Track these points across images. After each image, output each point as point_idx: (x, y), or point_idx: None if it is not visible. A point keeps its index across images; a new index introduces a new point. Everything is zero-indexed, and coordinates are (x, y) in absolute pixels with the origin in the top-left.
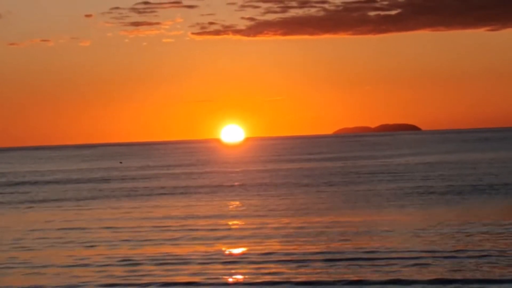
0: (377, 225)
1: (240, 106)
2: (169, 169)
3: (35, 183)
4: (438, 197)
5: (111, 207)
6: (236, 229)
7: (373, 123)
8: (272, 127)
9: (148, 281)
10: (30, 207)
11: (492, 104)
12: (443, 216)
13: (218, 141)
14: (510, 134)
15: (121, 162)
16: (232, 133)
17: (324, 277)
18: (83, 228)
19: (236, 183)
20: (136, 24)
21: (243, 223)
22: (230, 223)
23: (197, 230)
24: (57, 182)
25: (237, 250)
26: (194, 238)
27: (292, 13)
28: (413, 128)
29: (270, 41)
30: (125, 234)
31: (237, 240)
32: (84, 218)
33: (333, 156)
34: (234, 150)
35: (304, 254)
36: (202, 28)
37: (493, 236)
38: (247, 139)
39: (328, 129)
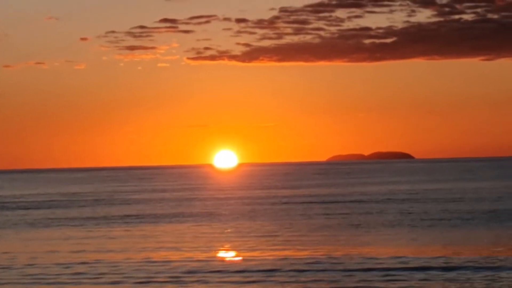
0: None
1: (234, 131)
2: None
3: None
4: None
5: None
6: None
7: (367, 151)
8: (266, 153)
9: None
10: None
11: (485, 134)
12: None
13: (211, 166)
14: (500, 164)
15: None
16: (225, 158)
17: None
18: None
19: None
20: (132, 48)
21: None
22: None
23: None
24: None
25: None
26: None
27: (288, 39)
28: (406, 156)
29: (265, 67)
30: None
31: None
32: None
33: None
34: (223, 175)
35: None
36: (198, 53)
37: None
38: (240, 165)
39: (321, 156)
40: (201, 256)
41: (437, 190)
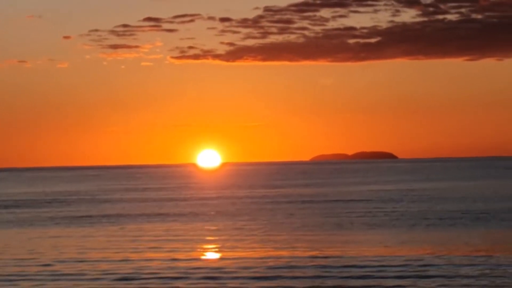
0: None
1: (217, 131)
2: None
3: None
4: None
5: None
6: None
7: (350, 151)
8: (250, 152)
9: None
10: None
11: (470, 134)
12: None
13: (194, 165)
14: (483, 163)
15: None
16: (208, 158)
17: None
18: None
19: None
20: (115, 46)
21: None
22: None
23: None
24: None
25: None
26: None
27: (272, 39)
28: (390, 156)
29: (249, 66)
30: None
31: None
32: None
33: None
34: (206, 175)
35: None
36: (182, 52)
37: None
38: (223, 164)
39: (305, 156)
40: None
41: (419, 189)
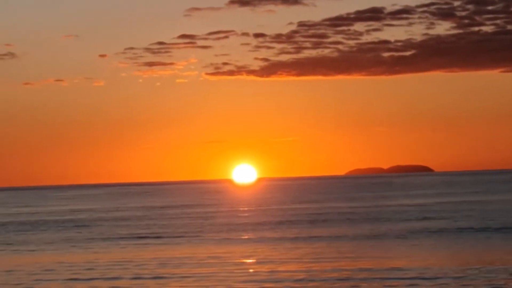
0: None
1: (252, 146)
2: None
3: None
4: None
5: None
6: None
7: (386, 164)
8: (284, 167)
9: None
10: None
11: (506, 146)
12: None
13: (230, 181)
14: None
15: None
16: (244, 173)
17: None
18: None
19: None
20: (150, 64)
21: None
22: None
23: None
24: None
25: None
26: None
27: (306, 53)
28: (425, 169)
29: (283, 81)
30: None
31: None
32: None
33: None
34: (243, 191)
35: None
36: (216, 68)
37: None
38: (259, 180)
39: (340, 170)
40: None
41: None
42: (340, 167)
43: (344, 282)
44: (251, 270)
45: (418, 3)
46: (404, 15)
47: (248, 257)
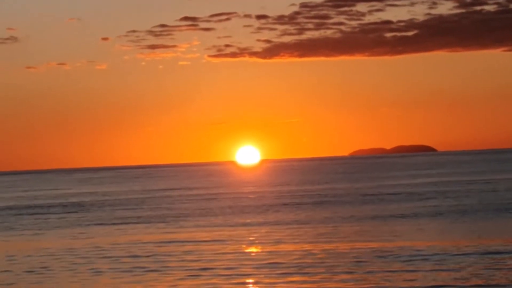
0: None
1: (255, 128)
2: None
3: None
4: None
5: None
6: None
7: (389, 145)
8: (288, 149)
9: None
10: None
11: (509, 125)
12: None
13: (233, 163)
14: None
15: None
16: (247, 155)
17: None
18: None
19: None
20: (153, 47)
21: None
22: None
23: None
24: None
25: None
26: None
27: (308, 35)
28: (429, 149)
29: (286, 63)
30: None
31: None
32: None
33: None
34: (247, 172)
35: None
36: (219, 50)
37: None
38: (262, 161)
39: (344, 151)
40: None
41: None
42: (343, 148)
43: (358, 264)
44: (259, 251)
45: None
46: None
47: (257, 239)
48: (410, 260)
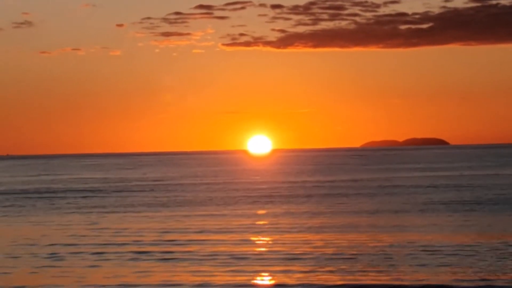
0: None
1: (268, 117)
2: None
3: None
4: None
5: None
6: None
7: (401, 137)
8: (300, 139)
9: None
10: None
11: None
12: None
13: (245, 152)
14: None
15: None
16: (259, 144)
17: None
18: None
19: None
20: (167, 34)
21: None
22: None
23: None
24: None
25: None
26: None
27: (323, 25)
28: (441, 142)
29: (300, 53)
30: None
31: None
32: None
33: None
34: (258, 162)
35: None
36: (233, 39)
37: None
38: (274, 151)
39: (355, 142)
40: None
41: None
42: (355, 139)
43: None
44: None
45: None
46: None
47: (272, 227)
48: (434, 254)
